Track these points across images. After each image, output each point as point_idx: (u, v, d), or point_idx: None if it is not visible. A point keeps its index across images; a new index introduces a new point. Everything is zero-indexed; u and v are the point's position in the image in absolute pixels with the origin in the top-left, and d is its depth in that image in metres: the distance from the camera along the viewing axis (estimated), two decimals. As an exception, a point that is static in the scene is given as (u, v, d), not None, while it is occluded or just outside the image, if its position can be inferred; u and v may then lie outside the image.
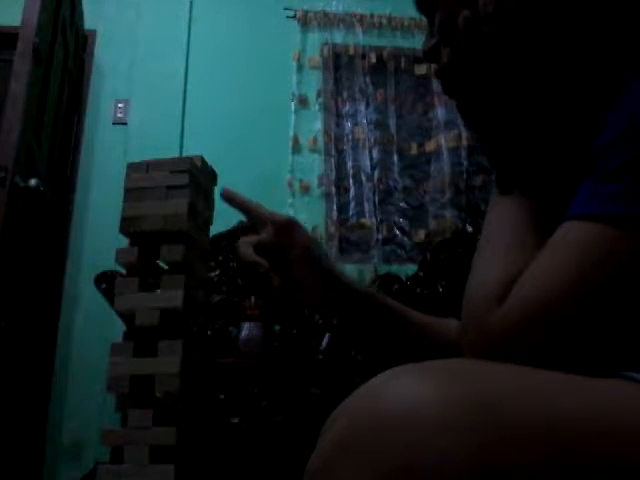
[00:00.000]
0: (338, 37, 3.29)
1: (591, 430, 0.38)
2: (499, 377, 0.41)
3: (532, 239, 0.53)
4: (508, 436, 0.37)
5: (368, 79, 3.21)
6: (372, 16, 3.31)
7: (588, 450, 0.37)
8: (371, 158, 3.09)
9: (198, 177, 1.65)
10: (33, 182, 2.12)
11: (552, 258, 0.47)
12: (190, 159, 1.63)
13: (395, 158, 3.10)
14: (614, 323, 0.45)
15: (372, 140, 3.12)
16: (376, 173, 3.07)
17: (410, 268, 2.77)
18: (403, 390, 0.39)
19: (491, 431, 0.37)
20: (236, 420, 2.11)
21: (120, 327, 1.60)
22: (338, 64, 3.25)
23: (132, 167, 1.63)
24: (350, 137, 3.12)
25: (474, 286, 0.53)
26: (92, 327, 2.66)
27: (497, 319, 0.48)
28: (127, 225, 1.57)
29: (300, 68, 3.23)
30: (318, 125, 3.14)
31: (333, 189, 3.03)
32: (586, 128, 0.53)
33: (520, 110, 0.56)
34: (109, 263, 1.78)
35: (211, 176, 1.80)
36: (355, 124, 3.14)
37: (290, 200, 2.99)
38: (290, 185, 3.01)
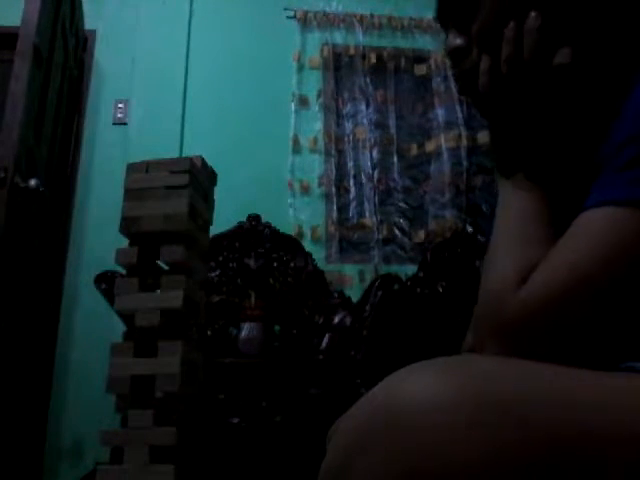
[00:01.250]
0: (338, 37, 3.29)
1: (601, 431, 0.38)
2: (513, 376, 0.41)
3: (545, 234, 0.53)
4: (522, 436, 0.37)
5: (368, 79, 3.21)
6: (372, 16, 3.30)
7: (594, 450, 0.37)
8: (371, 158, 3.09)
9: (198, 177, 1.65)
10: (33, 182, 2.12)
11: (572, 244, 0.47)
12: (190, 159, 1.63)
13: (395, 158, 3.10)
14: (634, 307, 0.45)
15: (372, 140, 3.12)
16: (376, 173, 3.07)
17: (410, 268, 2.77)
18: (418, 390, 0.39)
19: (504, 432, 0.37)
20: (236, 420, 2.10)
21: (120, 327, 1.60)
22: (338, 64, 3.25)
23: (132, 167, 1.63)
24: (350, 137, 3.12)
25: (491, 281, 0.53)
26: (92, 327, 2.66)
27: (517, 303, 0.48)
28: (127, 225, 1.57)
29: (300, 68, 3.23)
30: (318, 125, 3.14)
31: (333, 189, 3.03)
32: (597, 131, 0.54)
33: (540, 112, 0.57)
34: (109, 263, 1.78)
35: (211, 176, 1.80)
36: (355, 124, 3.14)
37: (290, 200, 2.99)
38: (290, 185, 3.01)
